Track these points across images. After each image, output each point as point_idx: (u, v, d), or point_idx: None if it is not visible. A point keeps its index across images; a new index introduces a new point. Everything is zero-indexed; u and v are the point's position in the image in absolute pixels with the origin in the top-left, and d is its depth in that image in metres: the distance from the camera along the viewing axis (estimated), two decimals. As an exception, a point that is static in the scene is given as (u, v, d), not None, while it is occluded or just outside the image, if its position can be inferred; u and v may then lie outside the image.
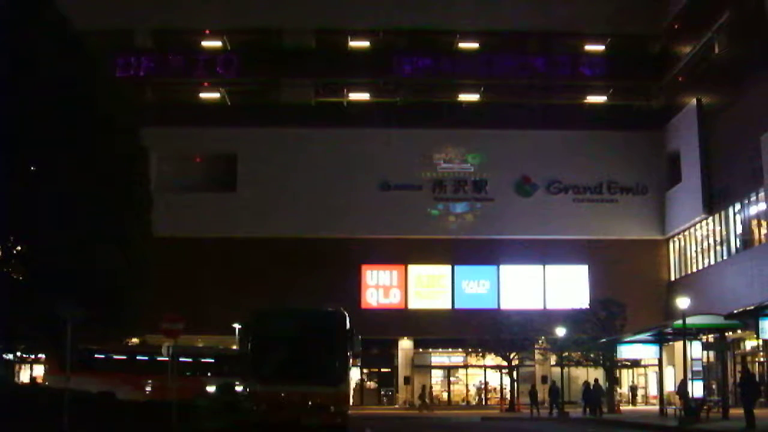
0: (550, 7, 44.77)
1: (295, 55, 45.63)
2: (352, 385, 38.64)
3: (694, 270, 41.50)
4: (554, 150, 44.22)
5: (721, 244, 38.61)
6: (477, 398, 44.70)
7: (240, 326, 27.58)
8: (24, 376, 37.82)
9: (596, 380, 35.54)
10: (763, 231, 34.51)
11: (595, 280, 43.46)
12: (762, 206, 34.24)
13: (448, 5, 44.93)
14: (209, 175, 45.78)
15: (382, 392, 44.74)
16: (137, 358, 32.86)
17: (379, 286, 44.55)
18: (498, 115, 44.99)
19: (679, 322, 26.09)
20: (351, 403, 25.07)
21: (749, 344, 35.55)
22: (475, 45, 47.25)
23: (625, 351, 33.92)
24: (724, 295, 35.14)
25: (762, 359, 35.10)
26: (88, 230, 18.81)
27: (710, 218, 39.46)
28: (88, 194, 18.88)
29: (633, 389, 43.67)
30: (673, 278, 44.17)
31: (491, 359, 42.36)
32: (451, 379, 45.55)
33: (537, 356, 42.64)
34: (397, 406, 43.38)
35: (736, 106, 36.47)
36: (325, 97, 46.97)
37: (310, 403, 18.56)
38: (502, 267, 44.57)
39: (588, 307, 38.94)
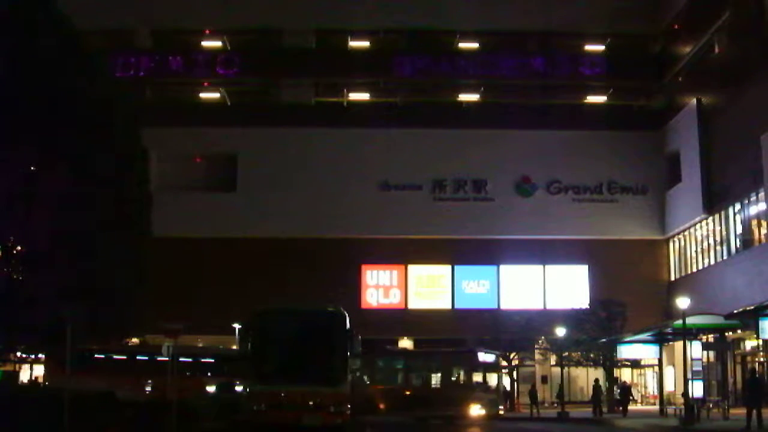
0: (550, 7, 44.71)
1: (295, 55, 45.55)
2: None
3: (694, 270, 41.48)
4: (554, 150, 44.14)
5: (721, 244, 38.58)
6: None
7: (240, 326, 27.57)
8: (24, 376, 37.80)
9: (596, 380, 35.55)
10: (763, 231, 34.50)
11: (595, 280, 43.45)
12: (762, 206, 34.22)
13: (448, 5, 44.87)
14: (209, 175, 45.78)
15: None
16: (137, 358, 32.81)
17: (379, 286, 44.53)
18: (498, 115, 44.96)
19: (679, 322, 26.12)
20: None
21: (749, 344, 35.51)
22: (475, 45, 47.20)
23: (625, 351, 33.99)
24: (724, 295, 35.14)
25: (762, 359, 35.09)
26: (88, 230, 18.81)
27: (710, 218, 39.44)
28: (88, 194, 18.89)
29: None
30: (673, 278, 44.14)
31: (491, 359, 42.34)
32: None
33: (537, 356, 42.64)
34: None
35: (736, 106, 36.46)
36: (325, 97, 46.93)
37: (310, 403, 18.51)
38: (502, 267, 44.54)
39: (588, 307, 39.03)
